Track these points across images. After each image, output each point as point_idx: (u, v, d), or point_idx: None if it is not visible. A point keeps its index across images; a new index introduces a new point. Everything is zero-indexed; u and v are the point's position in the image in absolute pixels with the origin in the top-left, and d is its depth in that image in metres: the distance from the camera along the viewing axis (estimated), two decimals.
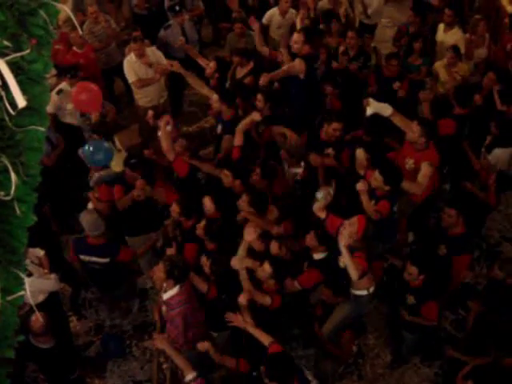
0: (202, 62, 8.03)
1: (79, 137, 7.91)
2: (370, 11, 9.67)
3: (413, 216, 6.94)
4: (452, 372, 5.65)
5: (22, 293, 2.46)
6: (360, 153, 6.21)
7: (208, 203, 6.14)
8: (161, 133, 6.69)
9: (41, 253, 6.23)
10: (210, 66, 7.87)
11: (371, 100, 6.33)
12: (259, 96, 7.21)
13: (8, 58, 2.03)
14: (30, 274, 5.55)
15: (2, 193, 2.21)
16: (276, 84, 7.79)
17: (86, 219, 6.20)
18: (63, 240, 7.65)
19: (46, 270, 6.16)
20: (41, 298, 5.95)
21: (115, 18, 9.62)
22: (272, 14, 9.36)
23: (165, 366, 6.22)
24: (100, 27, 9.04)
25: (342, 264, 5.38)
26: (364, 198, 5.80)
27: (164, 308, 5.56)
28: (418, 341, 6.23)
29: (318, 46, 7.59)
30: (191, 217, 6.13)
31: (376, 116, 6.38)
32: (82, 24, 8.93)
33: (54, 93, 7.71)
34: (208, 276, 5.63)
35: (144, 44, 8.21)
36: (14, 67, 2.06)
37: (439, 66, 8.20)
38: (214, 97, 7.19)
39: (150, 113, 7.56)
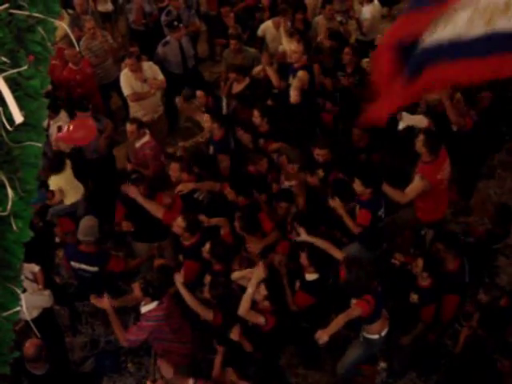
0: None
1: None
2: (364, 29, 9.74)
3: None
4: None
5: (17, 308, 2.46)
6: (335, 202, 6.09)
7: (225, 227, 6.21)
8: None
9: (36, 268, 6.22)
10: (197, 95, 8.04)
11: (404, 113, 6.36)
12: (255, 112, 7.26)
13: (6, 73, 2.03)
14: (23, 290, 5.51)
15: None
16: (269, 101, 7.85)
17: (83, 223, 6.27)
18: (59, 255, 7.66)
19: (40, 286, 6.15)
20: (35, 313, 5.93)
21: (112, 34, 9.66)
22: (266, 27, 9.44)
23: (159, 382, 6.18)
24: (97, 43, 9.06)
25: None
26: (342, 214, 5.93)
27: (141, 319, 5.60)
28: (413, 354, 6.21)
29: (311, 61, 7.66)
30: (195, 233, 6.07)
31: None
32: (78, 40, 8.97)
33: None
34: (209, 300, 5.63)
35: (139, 59, 8.26)
36: (12, 83, 2.07)
37: None
38: (206, 116, 7.22)
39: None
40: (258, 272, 5.40)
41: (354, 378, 5.99)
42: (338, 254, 5.62)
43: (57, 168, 7.08)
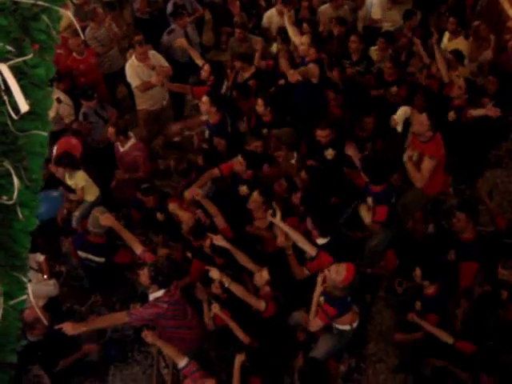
0: (199, 61, 8.03)
1: None
2: (372, 15, 9.66)
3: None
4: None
5: (24, 297, 2.47)
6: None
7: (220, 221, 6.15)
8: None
9: (41, 258, 6.25)
10: (204, 68, 7.88)
11: (395, 117, 6.62)
12: (259, 101, 7.26)
13: (11, 62, 2.03)
14: (29, 280, 5.54)
15: (5, 197, 2.22)
16: (273, 88, 7.84)
17: (93, 214, 6.23)
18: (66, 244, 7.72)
19: (45, 276, 6.17)
20: (40, 303, 5.93)
21: (116, 23, 9.63)
22: (271, 16, 9.39)
23: (165, 371, 6.23)
24: (103, 32, 9.07)
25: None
26: (364, 212, 6.15)
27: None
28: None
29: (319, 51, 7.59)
30: (203, 236, 6.03)
31: None
32: (83, 29, 8.96)
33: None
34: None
35: (148, 47, 8.24)
36: (17, 72, 2.07)
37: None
38: (205, 98, 7.15)
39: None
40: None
41: None
42: (310, 250, 5.61)
43: (74, 165, 7.04)
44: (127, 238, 5.84)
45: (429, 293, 5.70)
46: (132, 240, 5.82)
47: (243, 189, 6.47)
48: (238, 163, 6.44)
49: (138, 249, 5.73)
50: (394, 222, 6.40)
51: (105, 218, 5.95)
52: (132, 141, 7.39)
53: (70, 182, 7.11)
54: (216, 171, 6.65)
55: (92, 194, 7.20)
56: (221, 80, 8.05)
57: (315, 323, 5.35)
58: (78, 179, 7.03)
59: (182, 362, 4.97)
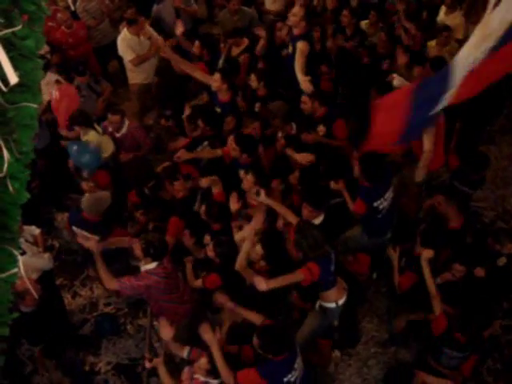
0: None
1: None
2: None
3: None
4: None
5: (15, 270, 2.47)
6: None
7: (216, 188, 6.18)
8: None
9: (36, 231, 6.26)
10: (195, 45, 7.83)
11: (397, 75, 6.59)
12: (252, 75, 7.21)
13: None
14: (23, 253, 5.55)
15: None
16: (260, 63, 7.78)
17: (89, 198, 6.27)
18: (58, 219, 7.72)
19: (40, 249, 6.18)
20: (34, 276, 5.95)
21: None
22: None
23: (158, 344, 6.28)
24: (94, 4, 8.97)
25: None
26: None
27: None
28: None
29: (312, 25, 7.52)
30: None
31: None
32: (74, 2, 8.86)
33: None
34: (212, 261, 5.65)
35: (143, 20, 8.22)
36: (6, 43, 2.05)
37: (431, 44, 8.16)
38: (216, 75, 6.94)
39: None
40: (257, 220, 5.41)
41: (310, 354, 5.84)
42: (293, 219, 5.51)
43: (88, 123, 7.04)
44: None
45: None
46: None
47: (241, 173, 6.36)
48: (232, 149, 6.35)
49: None
50: (379, 235, 6.28)
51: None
52: (127, 122, 7.30)
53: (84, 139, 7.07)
54: (218, 152, 6.57)
55: (107, 149, 7.13)
56: (217, 54, 8.02)
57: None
58: (92, 137, 6.99)
59: (185, 352, 5.08)
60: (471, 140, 7.63)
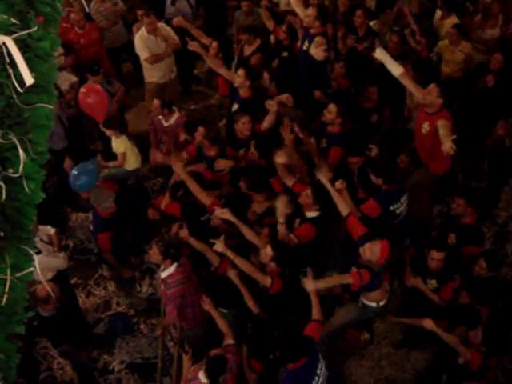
0: (204, 40, 7.94)
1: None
2: None
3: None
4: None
5: (31, 269, 2.49)
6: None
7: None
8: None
9: (51, 231, 6.30)
10: (212, 46, 7.82)
11: (381, 48, 6.35)
12: (265, 74, 7.25)
13: (15, 35, 2.03)
14: (38, 252, 5.59)
15: (11, 170, 2.23)
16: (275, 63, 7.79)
17: (95, 193, 6.36)
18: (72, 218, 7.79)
19: (55, 248, 6.23)
20: (49, 275, 6.01)
21: None
22: None
23: (171, 343, 6.30)
24: (107, 6, 9.00)
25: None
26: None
27: (162, 286, 5.64)
28: None
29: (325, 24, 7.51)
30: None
31: None
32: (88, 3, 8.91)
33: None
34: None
35: (154, 18, 8.21)
36: (22, 45, 2.07)
37: (443, 45, 8.09)
38: (241, 71, 6.98)
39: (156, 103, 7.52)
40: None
41: (336, 341, 5.99)
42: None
43: (120, 128, 7.14)
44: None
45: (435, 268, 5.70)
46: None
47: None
48: (250, 153, 6.43)
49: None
50: (397, 242, 6.08)
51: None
52: (177, 114, 7.46)
53: (113, 145, 7.12)
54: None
55: (132, 163, 7.20)
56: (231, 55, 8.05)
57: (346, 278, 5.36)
58: (120, 144, 7.06)
59: (230, 341, 5.12)
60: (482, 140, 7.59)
